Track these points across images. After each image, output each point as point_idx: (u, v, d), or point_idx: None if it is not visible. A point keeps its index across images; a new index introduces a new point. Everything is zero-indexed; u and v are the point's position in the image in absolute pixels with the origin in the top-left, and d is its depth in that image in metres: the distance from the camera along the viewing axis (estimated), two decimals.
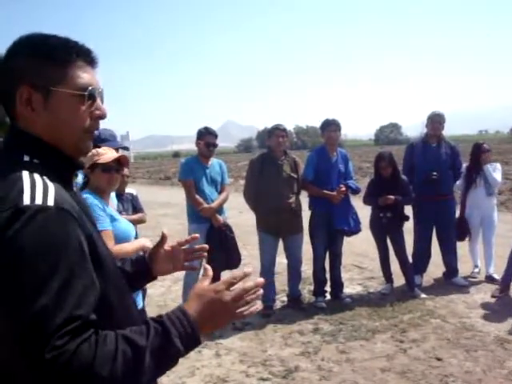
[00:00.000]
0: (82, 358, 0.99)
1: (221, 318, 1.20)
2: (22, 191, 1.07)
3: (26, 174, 1.12)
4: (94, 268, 1.14)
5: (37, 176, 1.13)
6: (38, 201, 1.07)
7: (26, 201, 1.06)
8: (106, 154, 2.86)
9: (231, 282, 1.21)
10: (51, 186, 1.12)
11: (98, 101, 1.26)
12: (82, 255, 1.10)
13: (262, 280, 1.24)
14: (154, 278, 1.70)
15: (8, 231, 1.02)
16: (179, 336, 1.12)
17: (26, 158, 1.18)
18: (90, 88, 1.22)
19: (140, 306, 4.45)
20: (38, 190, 1.09)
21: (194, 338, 1.14)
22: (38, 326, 0.98)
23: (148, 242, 3.01)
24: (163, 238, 1.66)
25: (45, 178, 1.14)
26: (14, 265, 1.01)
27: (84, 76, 1.22)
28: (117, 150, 3.09)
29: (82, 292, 1.05)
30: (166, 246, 1.66)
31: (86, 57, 1.25)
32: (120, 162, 2.92)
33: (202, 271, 4.52)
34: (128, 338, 1.07)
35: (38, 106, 1.19)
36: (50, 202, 1.08)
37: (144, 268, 1.65)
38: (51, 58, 1.19)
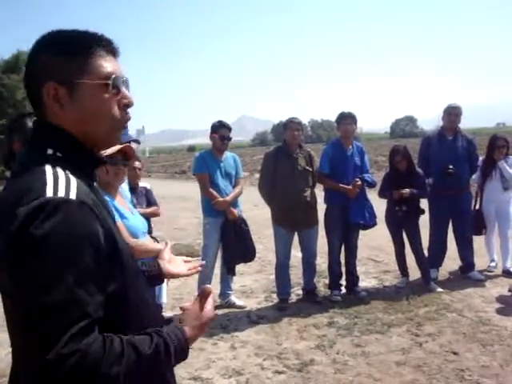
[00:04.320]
0: (92, 356, 1.02)
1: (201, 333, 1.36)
2: (45, 184, 1.09)
3: (48, 168, 1.14)
4: (114, 262, 1.16)
5: (59, 170, 1.14)
6: (61, 193, 1.08)
7: (49, 193, 1.07)
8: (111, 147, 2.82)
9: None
10: (73, 180, 1.14)
11: (124, 89, 1.26)
12: (98, 251, 1.11)
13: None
14: (161, 281, 1.77)
15: (31, 223, 1.03)
16: (175, 354, 1.20)
17: (50, 152, 1.19)
18: (113, 76, 1.23)
19: (164, 301, 4.46)
20: (60, 183, 1.10)
21: (183, 357, 1.25)
22: (53, 319, 1.01)
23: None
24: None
25: (67, 171, 1.15)
26: (33, 256, 1.03)
27: (106, 65, 1.23)
28: (128, 143, 3.08)
29: (94, 289, 1.08)
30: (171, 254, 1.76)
31: (107, 46, 1.25)
32: (126, 154, 2.89)
33: (217, 263, 4.48)
34: (133, 344, 1.11)
35: (65, 100, 1.20)
36: (72, 196, 1.10)
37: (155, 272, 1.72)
38: (72, 52, 1.20)
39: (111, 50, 1.26)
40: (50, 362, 0.99)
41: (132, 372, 1.08)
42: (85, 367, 1.01)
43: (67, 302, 1.02)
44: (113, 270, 1.16)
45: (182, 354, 1.23)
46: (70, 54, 1.20)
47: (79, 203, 1.10)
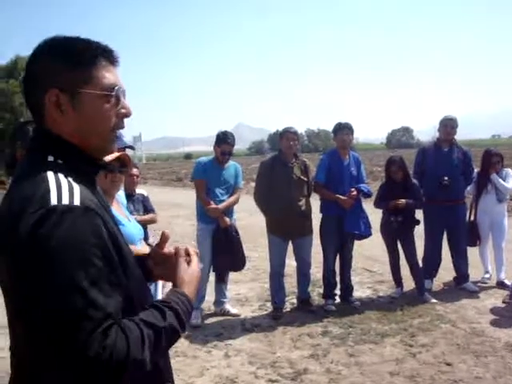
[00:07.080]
0: (119, 349, 1.05)
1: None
2: (48, 191, 1.10)
3: (50, 175, 1.14)
4: (119, 264, 1.18)
5: (61, 176, 1.15)
6: (65, 201, 1.09)
7: (54, 201, 1.08)
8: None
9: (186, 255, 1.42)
10: (76, 186, 1.15)
11: (123, 100, 1.28)
12: (107, 254, 1.13)
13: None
14: (150, 280, 1.65)
15: (39, 231, 1.04)
16: (184, 315, 1.25)
17: (51, 159, 1.20)
18: (116, 88, 1.24)
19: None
20: (64, 189, 1.11)
21: (190, 314, 1.31)
22: (74, 325, 1.03)
23: None
24: (163, 237, 1.54)
25: (69, 178, 1.16)
26: (45, 265, 1.04)
27: (109, 76, 1.24)
28: (123, 149, 3.07)
29: (110, 290, 1.10)
30: (166, 249, 1.54)
31: (109, 57, 1.26)
32: (123, 162, 2.88)
33: (209, 269, 4.45)
34: (149, 323, 1.15)
35: (67, 108, 1.21)
36: (77, 202, 1.11)
37: (144, 269, 1.59)
38: (76, 61, 1.21)
39: (113, 60, 1.28)
40: (78, 365, 1.02)
41: (155, 346, 1.13)
42: (115, 361, 1.04)
43: (87, 305, 1.04)
44: (119, 273, 1.17)
45: (188, 313, 1.28)
46: (74, 62, 1.21)
47: (84, 209, 1.11)
